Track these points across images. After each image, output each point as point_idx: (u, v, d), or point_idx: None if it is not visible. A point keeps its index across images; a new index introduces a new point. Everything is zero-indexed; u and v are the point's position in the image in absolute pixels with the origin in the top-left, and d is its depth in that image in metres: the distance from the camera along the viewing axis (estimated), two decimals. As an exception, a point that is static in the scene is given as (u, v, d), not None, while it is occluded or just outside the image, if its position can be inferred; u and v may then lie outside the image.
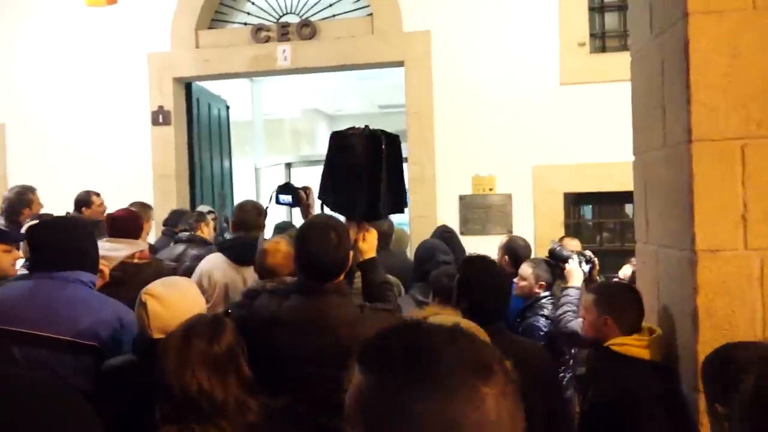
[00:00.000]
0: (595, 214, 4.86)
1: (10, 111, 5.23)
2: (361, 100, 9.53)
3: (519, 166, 4.63)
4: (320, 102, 9.71)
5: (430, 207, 4.74)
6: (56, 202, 4.81)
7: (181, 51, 5.01)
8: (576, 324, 2.44)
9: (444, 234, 3.81)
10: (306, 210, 2.37)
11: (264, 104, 8.17)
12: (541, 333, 2.85)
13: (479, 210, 4.67)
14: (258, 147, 7.71)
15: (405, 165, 2.29)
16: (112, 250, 2.90)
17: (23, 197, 4.13)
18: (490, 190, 4.68)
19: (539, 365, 2.07)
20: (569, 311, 2.60)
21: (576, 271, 2.87)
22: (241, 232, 3.02)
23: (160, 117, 5.02)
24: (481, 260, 2.18)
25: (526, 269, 3.20)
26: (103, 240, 2.97)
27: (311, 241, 1.84)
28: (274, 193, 2.42)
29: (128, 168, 5.08)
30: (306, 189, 2.41)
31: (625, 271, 3.32)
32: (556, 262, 3.00)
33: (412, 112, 4.82)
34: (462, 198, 4.70)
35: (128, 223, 3.00)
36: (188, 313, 1.60)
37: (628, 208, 4.85)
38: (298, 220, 3.59)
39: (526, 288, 3.08)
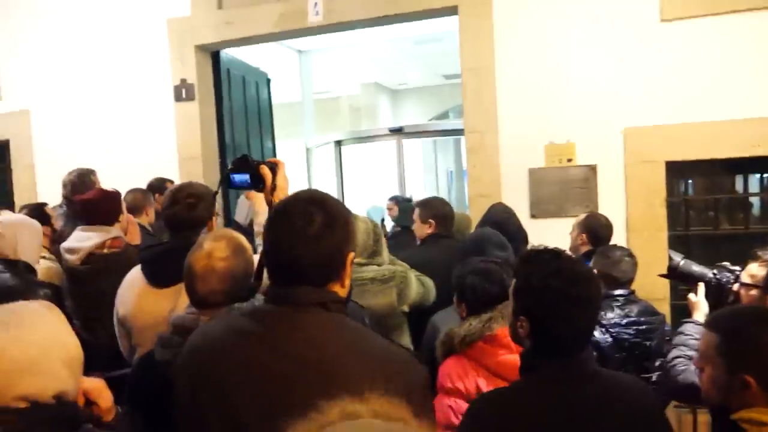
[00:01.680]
0: (706, 189, 3.80)
1: (34, 97, 4.85)
2: (423, 70, 8.67)
3: (606, 129, 3.66)
4: (380, 75, 8.95)
5: (492, 184, 3.87)
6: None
7: (202, 13, 4.40)
8: (692, 374, 1.61)
9: (499, 217, 2.97)
10: (271, 194, 1.64)
11: (318, 81, 7.52)
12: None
13: (554, 186, 3.75)
14: (308, 125, 7.07)
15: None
16: (79, 240, 2.38)
17: (85, 179, 3.74)
18: (569, 161, 3.74)
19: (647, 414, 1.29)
20: (682, 357, 1.77)
21: (702, 303, 2.02)
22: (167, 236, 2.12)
23: (183, 91, 4.46)
24: (553, 259, 1.34)
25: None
26: (78, 229, 2.49)
27: (278, 226, 1.12)
28: (228, 172, 1.73)
29: (153, 150, 4.57)
30: (273, 164, 1.68)
31: (753, 271, 2.07)
32: (679, 280, 2.16)
33: (467, 68, 3.95)
34: (533, 172, 3.79)
35: (99, 206, 2.53)
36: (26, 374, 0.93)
37: (743, 181, 3.76)
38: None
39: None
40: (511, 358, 1.72)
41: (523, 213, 3.74)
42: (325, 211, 1.09)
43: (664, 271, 2.39)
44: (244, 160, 1.67)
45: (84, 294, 2.43)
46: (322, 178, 6.77)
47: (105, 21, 4.63)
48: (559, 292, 1.26)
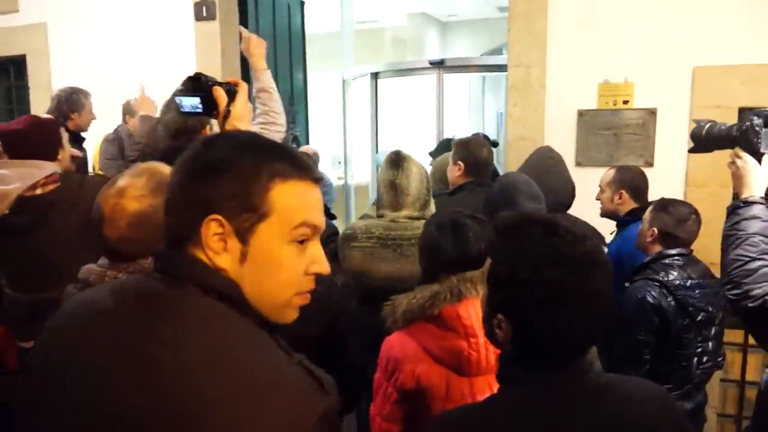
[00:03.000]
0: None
1: (51, 9, 4.60)
2: (476, 0, 7.98)
3: (671, 67, 3.14)
4: (428, 5, 8.31)
5: (535, 126, 3.43)
6: (100, 109, 4.20)
7: None
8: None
9: (543, 163, 2.55)
10: (223, 123, 1.32)
11: (359, 9, 7.00)
12: (647, 314, 2.03)
13: (606, 132, 3.28)
14: (346, 56, 6.63)
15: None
16: (5, 185, 2.01)
17: (73, 98, 3.53)
18: (625, 103, 3.25)
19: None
20: (757, 257, 1.43)
21: (754, 171, 1.62)
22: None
23: (203, 9, 4.11)
24: (546, 235, 0.96)
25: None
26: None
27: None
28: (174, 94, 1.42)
29: (171, 73, 4.25)
30: (231, 86, 1.35)
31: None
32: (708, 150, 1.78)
33: (516, -9, 3.44)
34: (582, 114, 3.32)
35: (29, 138, 2.07)
36: None
37: None
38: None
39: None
40: (462, 344, 1.42)
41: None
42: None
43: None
44: (196, 79, 1.34)
45: (17, 248, 2.04)
46: (357, 112, 6.38)
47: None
48: (558, 284, 0.90)
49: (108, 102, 4.33)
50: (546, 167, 2.39)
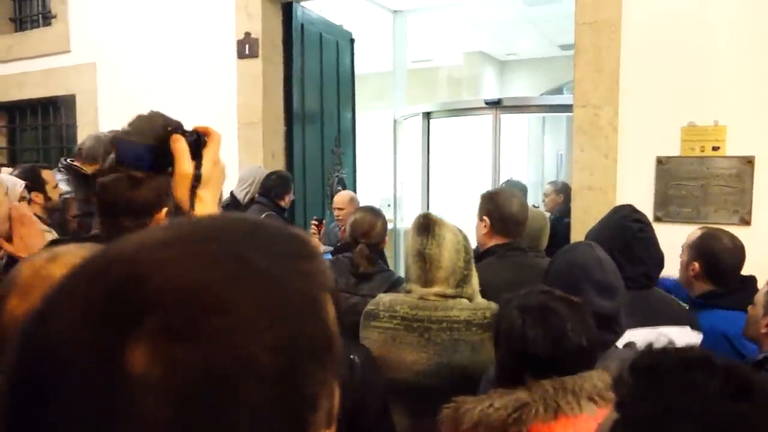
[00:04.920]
0: None
1: (100, 49, 4.57)
2: (537, 38, 7.63)
3: (773, 108, 2.66)
4: (486, 43, 8.02)
5: (606, 174, 2.99)
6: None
7: (270, -44, 3.83)
8: None
9: (627, 228, 2.01)
10: (193, 187, 0.95)
11: (413, 48, 6.77)
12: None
13: (692, 183, 2.80)
14: (398, 95, 6.38)
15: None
16: None
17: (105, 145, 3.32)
18: (715, 149, 2.77)
19: None
20: None
21: None
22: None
23: (246, 47, 3.94)
24: (697, 385, 0.56)
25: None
26: None
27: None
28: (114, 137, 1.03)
29: (213, 112, 4.09)
30: (197, 134, 0.96)
31: None
32: None
33: (582, 22, 3.06)
34: (662, 161, 2.85)
35: None
36: None
37: None
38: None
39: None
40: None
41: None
42: None
43: None
44: (146, 119, 0.96)
45: None
46: (408, 152, 6.08)
47: (172, -33, 4.20)
48: None
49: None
50: (631, 234, 1.89)
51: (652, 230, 2.00)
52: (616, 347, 1.43)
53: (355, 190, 4.80)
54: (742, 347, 1.84)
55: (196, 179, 0.93)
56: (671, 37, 2.84)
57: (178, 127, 0.95)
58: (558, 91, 8.76)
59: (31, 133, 5.32)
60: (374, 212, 2.42)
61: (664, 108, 2.86)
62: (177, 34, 4.22)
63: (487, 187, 5.15)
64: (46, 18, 4.98)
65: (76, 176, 3.03)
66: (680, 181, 2.78)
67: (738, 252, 2.05)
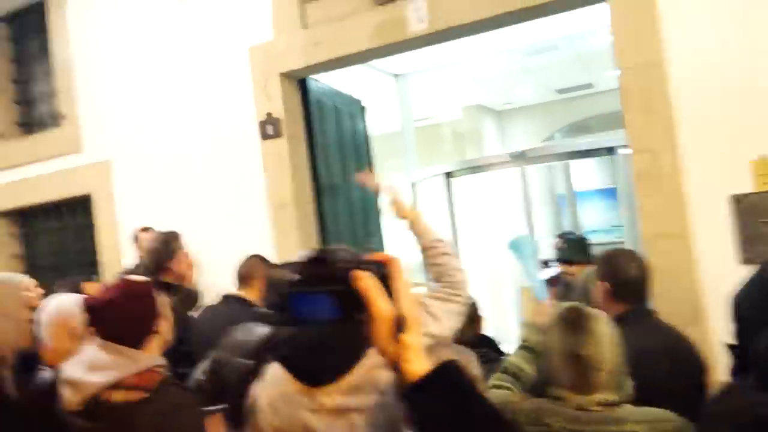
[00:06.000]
0: None
1: (115, 147, 4.45)
2: (534, 85, 7.68)
3: None
4: (484, 96, 8.06)
5: (676, 220, 2.83)
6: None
7: (286, 36, 3.77)
8: None
9: None
10: (395, 334, 0.75)
11: (416, 107, 6.75)
12: None
13: (772, 218, 2.65)
14: (410, 157, 6.29)
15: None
16: (87, 368, 1.56)
17: (170, 246, 2.99)
18: (790, 180, 2.64)
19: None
20: None
21: None
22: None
23: (269, 128, 3.82)
24: None
25: None
26: (90, 347, 1.63)
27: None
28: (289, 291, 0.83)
29: (242, 199, 3.96)
30: (377, 265, 0.76)
31: None
32: None
33: (626, 67, 2.98)
34: (739, 200, 2.71)
35: (118, 313, 1.62)
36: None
37: None
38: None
39: None
40: None
41: (727, 258, 2.68)
42: None
43: None
44: (319, 261, 0.79)
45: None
46: (430, 215, 5.93)
47: (185, 62, 4.14)
48: None
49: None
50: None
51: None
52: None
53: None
54: None
55: (399, 322, 0.74)
56: (721, 71, 2.76)
57: (352, 261, 0.77)
58: (563, 134, 8.79)
59: (47, 236, 5.11)
60: None
61: (728, 144, 2.74)
62: (194, 124, 4.11)
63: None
64: (55, 119, 4.87)
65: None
66: (764, 218, 2.63)
67: None
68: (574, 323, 1.47)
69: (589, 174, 8.05)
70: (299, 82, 3.96)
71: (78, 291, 2.48)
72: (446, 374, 0.74)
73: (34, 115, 5.10)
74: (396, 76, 6.19)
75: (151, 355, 1.63)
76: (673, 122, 2.85)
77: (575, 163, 6.98)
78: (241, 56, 3.90)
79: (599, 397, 1.42)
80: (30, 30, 5.07)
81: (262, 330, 2.13)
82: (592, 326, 1.46)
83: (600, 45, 5.66)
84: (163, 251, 2.95)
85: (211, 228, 4.01)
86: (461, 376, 0.75)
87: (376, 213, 4.91)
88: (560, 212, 7.51)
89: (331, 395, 1.45)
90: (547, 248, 4.66)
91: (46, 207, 4.91)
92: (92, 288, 2.57)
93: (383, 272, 0.76)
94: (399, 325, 0.74)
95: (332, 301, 0.73)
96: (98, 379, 1.51)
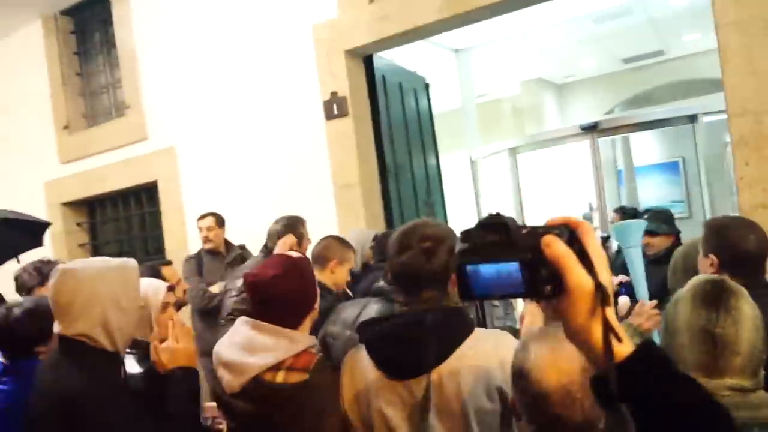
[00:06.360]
0: None
1: (179, 133, 4.46)
2: (599, 55, 7.30)
3: None
4: (545, 69, 7.73)
5: (783, 188, 2.59)
6: (237, 231, 3.89)
7: (352, 12, 3.65)
8: None
9: None
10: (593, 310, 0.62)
11: (476, 82, 6.54)
12: None
13: None
14: (471, 134, 6.10)
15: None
16: (246, 350, 1.53)
17: (295, 229, 3.04)
18: None
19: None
20: None
21: None
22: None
23: (334, 107, 3.73)
24: None
25: None
26: (242, 327, 1.58)
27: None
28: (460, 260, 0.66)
29: (306, 180, 3.90)
30: (564, 228, 0.65)
31: None
32: None
33: (724, 23, 2.72)
34: None
35: (286, 295, 1.54)
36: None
37: None
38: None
39: None
40: None
41: None
42: None
43: None
44: (495, 225, 0.64)
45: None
46: (491, 192, 5.75)
47: (247, 44, 4.09)
48: None
49: (242, 219, 4.01)
50: None
51: None
52: None
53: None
54: None
55: (602, 294, 0.61)
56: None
57: (538, 227, 0.64)
58: (625, 106, 8.36)
59: (113, 225, 5.23)
60: None
61: None
62: (257, 106, 4.07)
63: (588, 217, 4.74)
64: (120, 110, 4.94)
65: None
66: None
67: None
68: (712, 297, 1.30)
69: (648, 148, 7.67)
70: (364, 59, 3.84)
71: (158, 275, 2.47)
72: (653, 353, 0.63)
73: (99, 107, 5.19)
74: (456, 51, 6.00)
75: (308, 335, 1.58)
76: (779, 81, 2.58)
77: (635, 137, 6.68)
78: (304, 34, 3.81)
79: (732, 381, 1.26)
80: (93, 22, 5.15)
81: (376, 307, 2.07)
82: (733, 303, 1.29)
83: (677, 6, 5.30)
84: (285, 234, 2.94)
85: (275, 211, 3.95)
86: (666, 356, 0.64)
87: (440, 195, 4.79)
88: (618, 187, 7.21)
89: (419, 387, 1.37)
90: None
91: (112, 195, 5.00)
92: (169, 272, 2.56)
93: (573, 237, 0.63)
94: (603, 297, 0.61)
95: (521, 272, 0.61)
96: (259, 360, 1.47)
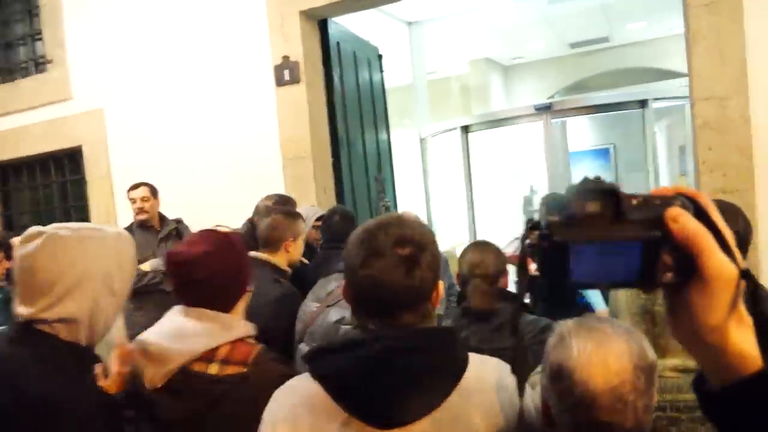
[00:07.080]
0: None
1: (107, 93, 4.05)
2: (548, 38, 7.31)
3: None
4: (493, 49, 7.68)
5: (743, 175, 2.59)
6: (171, 203, 3.57)
7: (307, -31, 3.39)
8: None
9: None
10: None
11: (428, 58, 6.38)
12: None
13: None
14: (421, 111, 5.96)
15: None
16: (172, 336, 1.29)
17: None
18: None
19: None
20: None
21: None
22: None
23: (285, 73, 3.47)
24: None
25: None
26: (176, 317, 1.35)
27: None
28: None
29: (252, 150, 3.63)
30: (685, 198, 0.47)
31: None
32: None
33: (696, 5, 2.67)
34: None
35: (216, 272, 1.33)
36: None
37: None
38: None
39: None
40: None
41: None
42: None
43: None
44: (608, 193, 0.46)
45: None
46: (440, 171, 5.65)
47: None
48: None
49: (178, 190, 3.70)
50: None
51: None
52: None
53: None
54: None
55: (753, 284, 0.47)
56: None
57: (657, 198, 0.48)
58: (570, 90, 8.48)
59: (29, 193, 4.74)
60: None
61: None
62: (199, 66, 3.74)
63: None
64: (40, 65, 4.44)
65: None
66: None
67: None
68: None
69: (582, 133, 7.91)
70: (319, 23, 3.59)
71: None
72: None
73: (14, 60, 4.65)
74: (410, 24, 5.80)
75: (246, 322, 1.35)
76: (745, 67, 2.57)
77: (571, 121, 6.83)
78: (254, -7, 3.51)
79: (674, 362, 1.20)
80: (9, -37, 4.58)
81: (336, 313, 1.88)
82: None
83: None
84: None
85: (216, 183, 3.69)
86: None
87: (390, 172, 4.63)
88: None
89: None
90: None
91: (29, 161, 4.52)
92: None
93: (700, 212, 0.48)
94: (752, 289, 0.47)
95: (640, 256, 0.46)
96: (186, 347, 1.24)
